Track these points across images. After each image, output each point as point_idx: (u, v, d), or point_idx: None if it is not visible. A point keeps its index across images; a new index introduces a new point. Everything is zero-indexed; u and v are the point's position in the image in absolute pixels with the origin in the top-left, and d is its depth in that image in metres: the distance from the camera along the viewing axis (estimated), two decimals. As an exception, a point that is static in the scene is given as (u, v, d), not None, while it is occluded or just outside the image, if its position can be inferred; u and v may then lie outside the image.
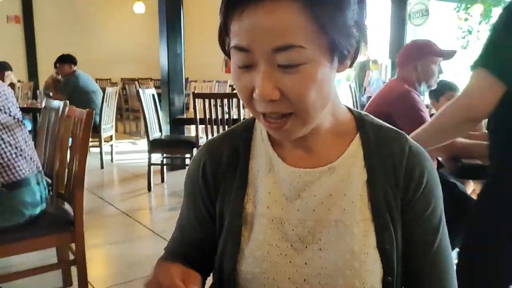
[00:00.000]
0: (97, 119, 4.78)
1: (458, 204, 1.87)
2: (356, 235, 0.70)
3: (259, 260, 0.72)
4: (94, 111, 2.00)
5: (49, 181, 2.06)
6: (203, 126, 3.79)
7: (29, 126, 4.76)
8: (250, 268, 0.72)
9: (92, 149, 4.98)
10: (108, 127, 5.09)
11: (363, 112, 0.78)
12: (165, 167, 4.47)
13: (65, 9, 9.41)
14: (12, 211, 1.78)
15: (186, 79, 7.18)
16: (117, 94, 5.35)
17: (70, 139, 2.12)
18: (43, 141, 2.30)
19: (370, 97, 5.47)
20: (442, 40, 7.55)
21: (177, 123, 4.78)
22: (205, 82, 7.72)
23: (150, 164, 4.05)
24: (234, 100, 3.82)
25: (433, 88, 2.28)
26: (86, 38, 9.64)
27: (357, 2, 0.64)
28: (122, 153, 5.93)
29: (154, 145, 4.04)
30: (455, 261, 1.07)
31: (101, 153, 4.99)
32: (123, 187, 4.49)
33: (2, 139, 1.76)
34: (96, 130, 4.79)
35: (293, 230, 0.72)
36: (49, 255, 2.29)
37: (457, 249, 1.35)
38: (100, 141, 4.93)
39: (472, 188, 2.48)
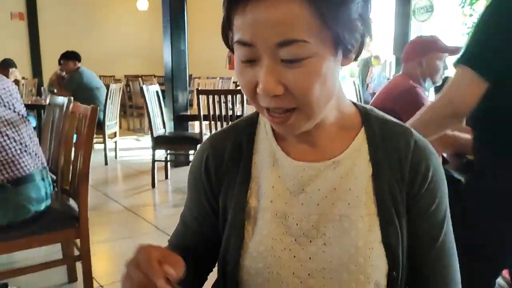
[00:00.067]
0: (101, 116, 4.78)
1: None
2: (361, 230, 0.69)
3: (262, 254, 0.71)
4: (98, 108, 2.01)
5: (54, 177, 2.07)
6: (207, 122, 3.79)
7: (33, 123, 4.77)
8: (254, 263, 0.72)
9: (96, 146, 4.97)
10: (112, 123, 5.10)
11: (368, 106, 0.77)
12: (169, 163, 4.47)
13: (69, 6, 9.42)
14: (17, 206, 1.79)
15: (190, 76, 7.18)
16: (121, 90, 5.36)
17: (75, 136, 2.13)
18: (48, 137, 2.30)
19: (374, 93, 5.45)
20: (447, 36, 7.52)
21: (181, 119, 4.79)
22: (208, 78, 7.72)
23: (154, 161, 4.06)
24: (238, 96, 3.82)
25: (438, 84, 2.27)
26: (90, 35, 9.65)
27: None
28: (126, 150, 5.93)
29: (158, 142, 4.04)
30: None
31: (105, 149, 4.99)
32: (127, 183, 4.50)
33: (7, 135, 1.76)
34: (100, 127, 4.77)
35: (297, 224, 0.72)
36: (54, 251, 2.29)
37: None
38: (104, 138, 4.93)
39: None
